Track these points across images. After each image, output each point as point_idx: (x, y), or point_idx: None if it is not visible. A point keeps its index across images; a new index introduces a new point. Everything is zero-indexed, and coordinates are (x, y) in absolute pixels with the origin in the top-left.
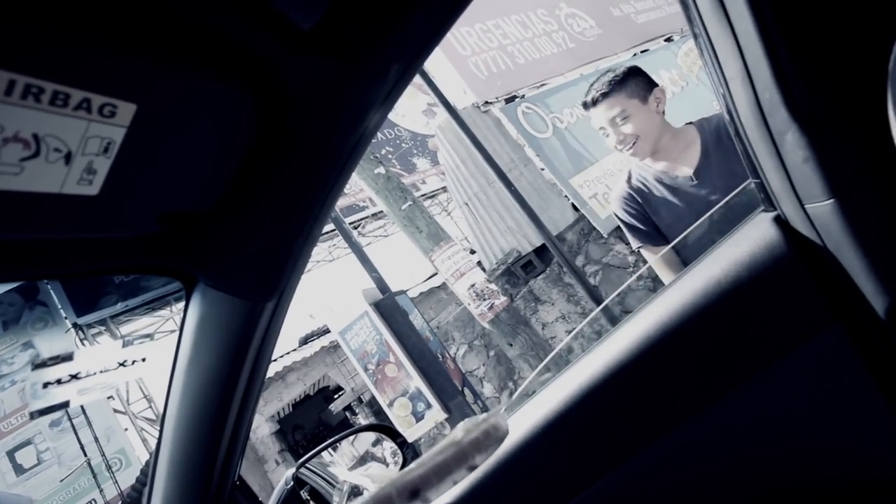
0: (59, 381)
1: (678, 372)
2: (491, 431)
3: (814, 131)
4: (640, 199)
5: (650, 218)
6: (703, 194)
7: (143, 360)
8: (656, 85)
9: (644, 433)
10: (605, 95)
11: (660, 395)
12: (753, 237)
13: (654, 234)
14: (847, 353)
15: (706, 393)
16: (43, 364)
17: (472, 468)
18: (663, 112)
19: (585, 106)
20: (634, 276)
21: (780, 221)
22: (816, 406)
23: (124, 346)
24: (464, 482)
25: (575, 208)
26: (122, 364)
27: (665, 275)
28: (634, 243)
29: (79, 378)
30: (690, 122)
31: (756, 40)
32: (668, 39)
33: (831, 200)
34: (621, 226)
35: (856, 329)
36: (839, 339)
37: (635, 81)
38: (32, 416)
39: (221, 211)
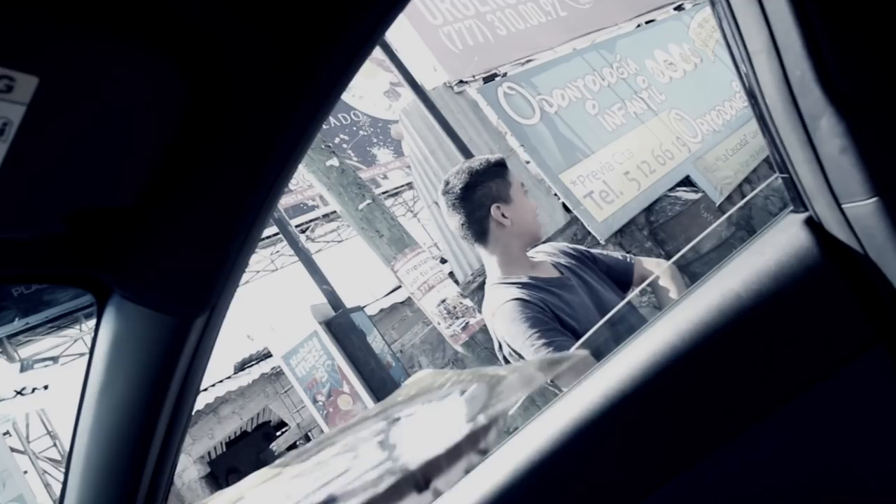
0: None
1: (688, 404)
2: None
3: (854, 116)
4: (540, 295)
5: (556, 313)
6: (583, 291)
7: (46, 387)
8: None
9: (646, 480)
10: None
11: (667, 432)
12: (780, 243)
13: (570, 339)
14: (892, 378)
15: (724, 428)
16: None
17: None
18: None
19: (502, 164)
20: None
21: (813, 224)
22: (856, 441)
23: (23, 370)
24: None
25: (566, 209)
26: (20, 392)
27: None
28: (535, 345)
29: None
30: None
31: (786, 6)
32: (679, 8)
33: (874, 199)
34: (530, 347)
35: None
36: (882, 362)
37: None
38: None
39: (141, 209)
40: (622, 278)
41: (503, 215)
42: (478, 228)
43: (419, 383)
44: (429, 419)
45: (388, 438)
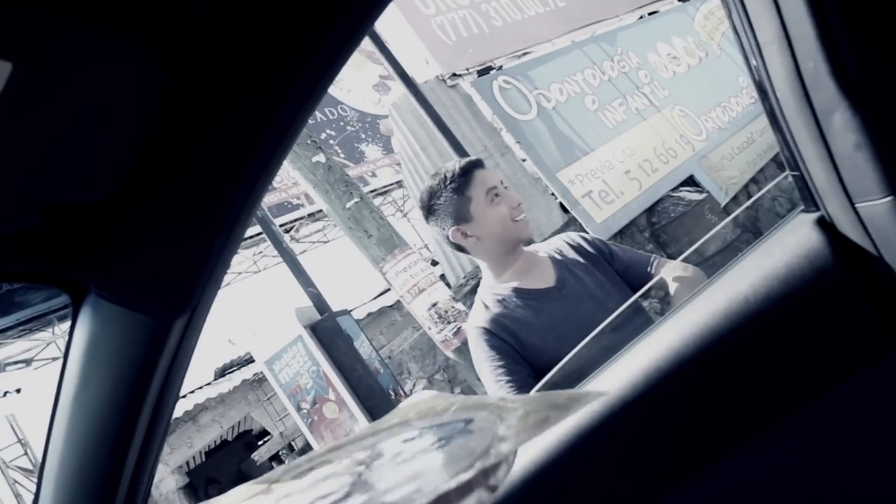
0: None
1: (692, 412)
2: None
3: (869, 111)
4: (508, 324)
5: (519, 353)
6: (573, 305)
7: (19, 391)
8: None
9: (650, 490)
10: (483, 163)
11: (671, 441)
12: (790, 244)
13: (530, 374)
14: None
15: (731, 438)
16: None
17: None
18: None
19: (463, 171)
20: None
21: (825, 224)
22: (869, 455)
23: None
24: None
25: (564, 209)
26: None
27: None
28: (496, 380)
29: None
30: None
31: None
32: None
33: (889, 198)
34: (488, 377)
35: None
36: None
37: None
38: None
39: (120, 204)
40: (638, 281)
41: (465, 235)
42: (453, 245)
43: (417, 406)
44: (433, 448)
45: (390, 465)
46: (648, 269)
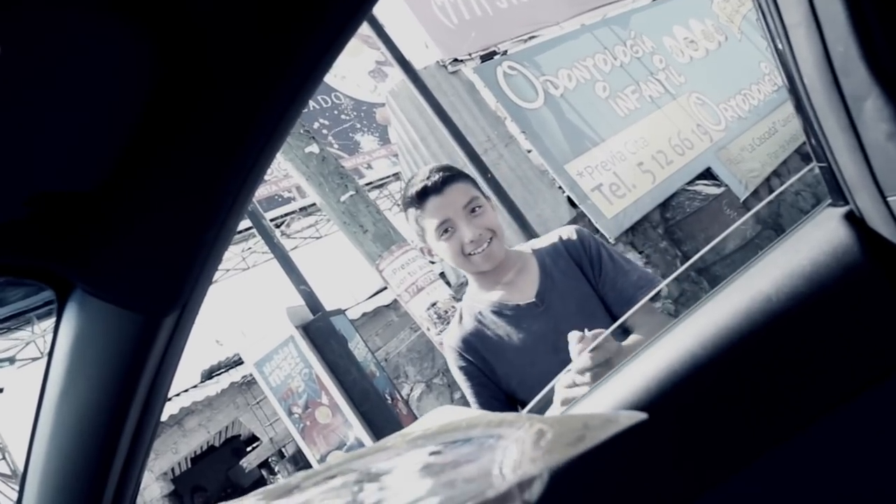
0: None
1: (710, 418)
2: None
3: None
4: (476, 345)
5: (487, 375)
6: (552, 323)
7: (1, 390)
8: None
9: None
10: (449, 180)
11: (687, 449)
12: (817, 239)
13: (495, 396)
14: None
15: (752, 445)
16: None
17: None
18: None
19: (418, 197)
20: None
21: (854, 218)
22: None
23: None
24: None
25: (572, 204)
26: None
27: None
28: (469, 396)
29: None
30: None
31: None
32: None
33: None
34: (461, 386)
35: None
36: None
37: (471, 180)
38: None
39: (107, 195)
40: (616, 307)
41: (431, 253)
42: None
43: (439, 420)
44: (464, 462)
45: (420, 475)
46: (627, 299)
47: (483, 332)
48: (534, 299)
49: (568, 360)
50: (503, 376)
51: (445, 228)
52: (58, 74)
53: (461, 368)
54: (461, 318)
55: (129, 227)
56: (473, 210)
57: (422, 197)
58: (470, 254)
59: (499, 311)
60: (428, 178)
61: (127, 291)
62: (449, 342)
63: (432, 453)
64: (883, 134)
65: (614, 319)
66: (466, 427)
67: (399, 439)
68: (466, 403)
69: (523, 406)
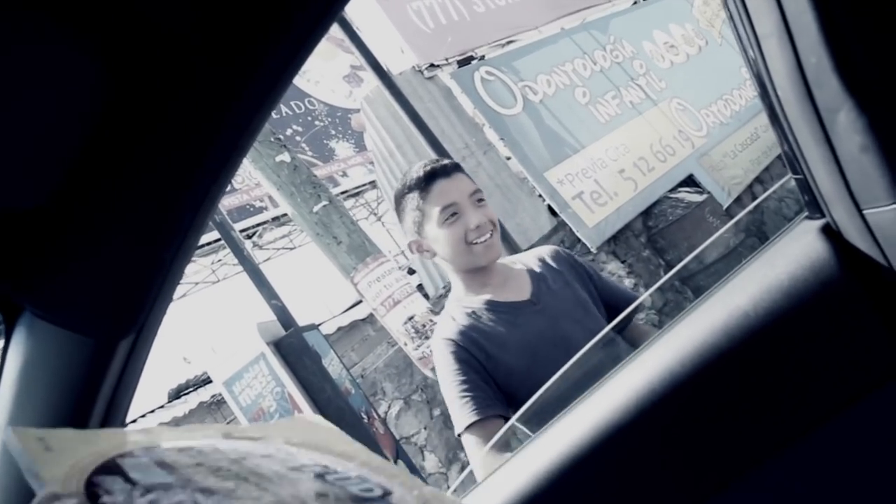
0: None
1: (687, 438)
2: None
3: (877, 109)
4: (477, 338)
5: (489, 370)
6: (550, 321)
7: None
8: None
9: None
10: (457, 168)
11: (663, 470)
12: (793, 253)
13: (494, 397)
14: None
15: (728, 467)
16: None
17: None
18: None
19: (425, 179)
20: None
21: (830, 232)
22: (878, 482)
23: None
24: None
25: (553, 212)
26: None
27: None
28: (468, 418)
29: None
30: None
31: None
32: None
33: None
34: (450, 393)
35: None
36: None
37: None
38: None
39: (57, 211)
40: (623, 304)
41: (421, 248)
42: (419, 257)
43: (297, 429)
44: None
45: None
46: (631, 297)
47: (481, 327)
48: (529, 297)
49: (570, 355)
50: (503, 372)
51: (452, 212)
52: (3, 87)
53: (461, 361)
54: (453, 317)
55: (80, 246)
56: (479, 200)
57: (429, 179)
58: (473, 242)
59: (493, 309)
60: (435, 162)
61: (78, 314)
62: (444, 334)
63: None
64: (857, 146)
65: (609, 321)
66: (340, 455)
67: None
68: (446, 421)
69: (515, 408)
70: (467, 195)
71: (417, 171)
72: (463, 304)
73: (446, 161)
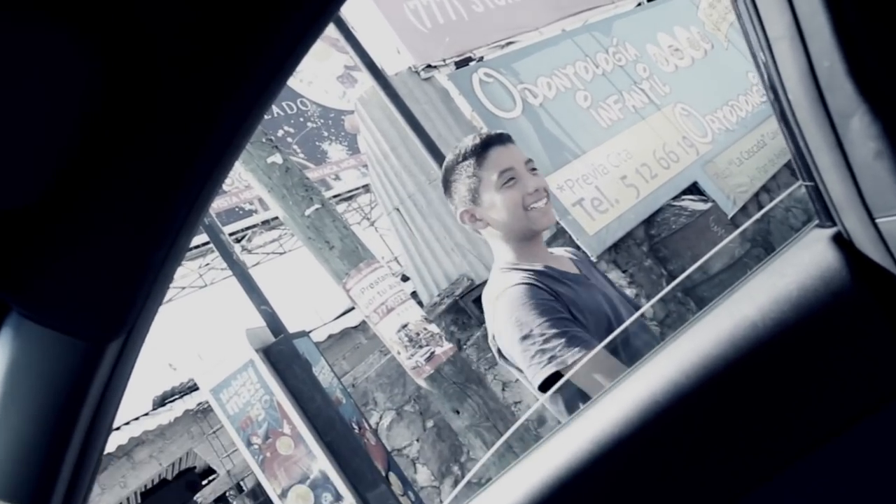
0: None
1: (691, 452)
2: None
3: (890, 115)
4: (551, 284)
5: (569, 307)
6: (603, 297)
7: None
8: None
9: None
10: (510, 138)
11: (667, 484)
12: (804, 262)
13: (583, 330)
14: None
15: (737, 481)
16: None
17: None
18: None
19: (482, 146)
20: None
21: (842, 240)
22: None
23: None
24: None
25: None
26: None
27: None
28: (578, 351)
29: None
30: None
31: None
32: None
33: None
34: (523, 326)
35: None
36: None
37: None
38: None
39: (47, 210)
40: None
41: (473, 218)
42: (469, 227)
43: None
44: None
45: None
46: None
47: (548, 283)
48: (581, 272)
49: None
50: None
51: (510, 177)
52: None
53: (547, 300)
54: (516, 272)
55: (70, 245)
56: (533, 169)
57: (486, 146)
58: (530, 207)
59: (552, 275)
60: (489, 132)
61: (67, 315)
62: (515, 280)
63: None
64: (871, 152)
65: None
66: None
67: None
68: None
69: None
70: (523, 162)
71: (471, 140)
72: (520, 267)
73: (500, 131)
